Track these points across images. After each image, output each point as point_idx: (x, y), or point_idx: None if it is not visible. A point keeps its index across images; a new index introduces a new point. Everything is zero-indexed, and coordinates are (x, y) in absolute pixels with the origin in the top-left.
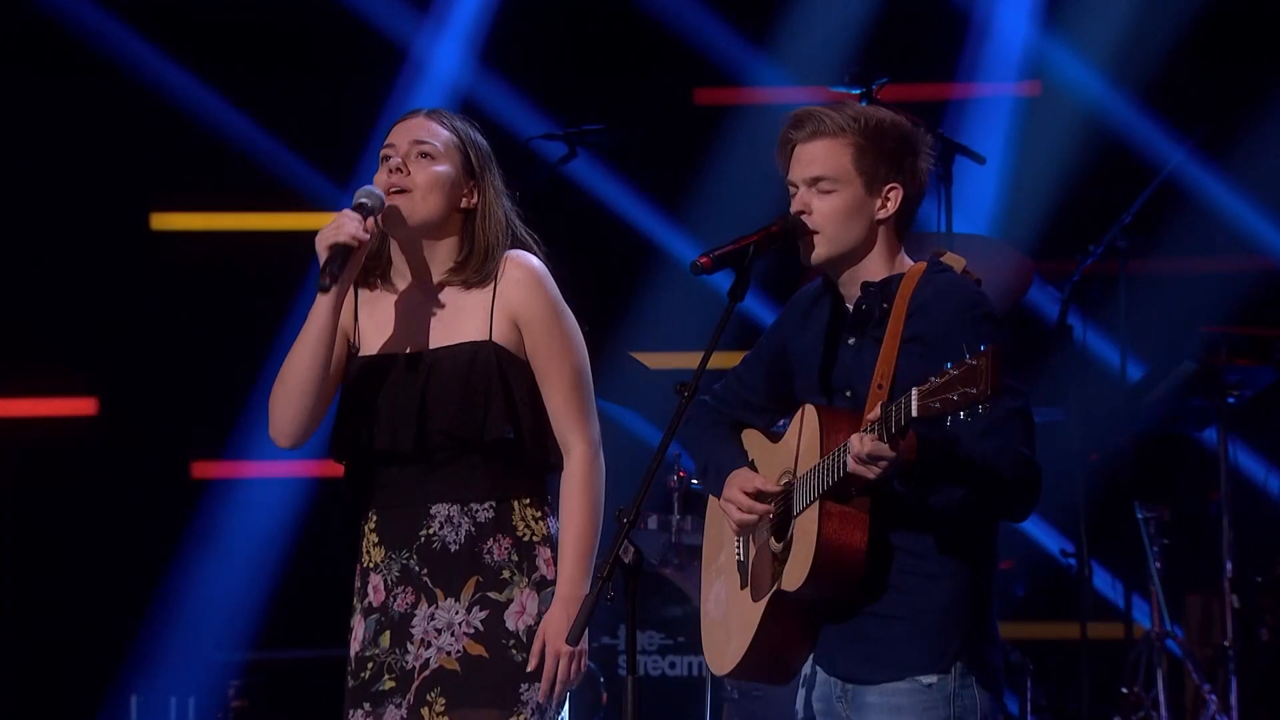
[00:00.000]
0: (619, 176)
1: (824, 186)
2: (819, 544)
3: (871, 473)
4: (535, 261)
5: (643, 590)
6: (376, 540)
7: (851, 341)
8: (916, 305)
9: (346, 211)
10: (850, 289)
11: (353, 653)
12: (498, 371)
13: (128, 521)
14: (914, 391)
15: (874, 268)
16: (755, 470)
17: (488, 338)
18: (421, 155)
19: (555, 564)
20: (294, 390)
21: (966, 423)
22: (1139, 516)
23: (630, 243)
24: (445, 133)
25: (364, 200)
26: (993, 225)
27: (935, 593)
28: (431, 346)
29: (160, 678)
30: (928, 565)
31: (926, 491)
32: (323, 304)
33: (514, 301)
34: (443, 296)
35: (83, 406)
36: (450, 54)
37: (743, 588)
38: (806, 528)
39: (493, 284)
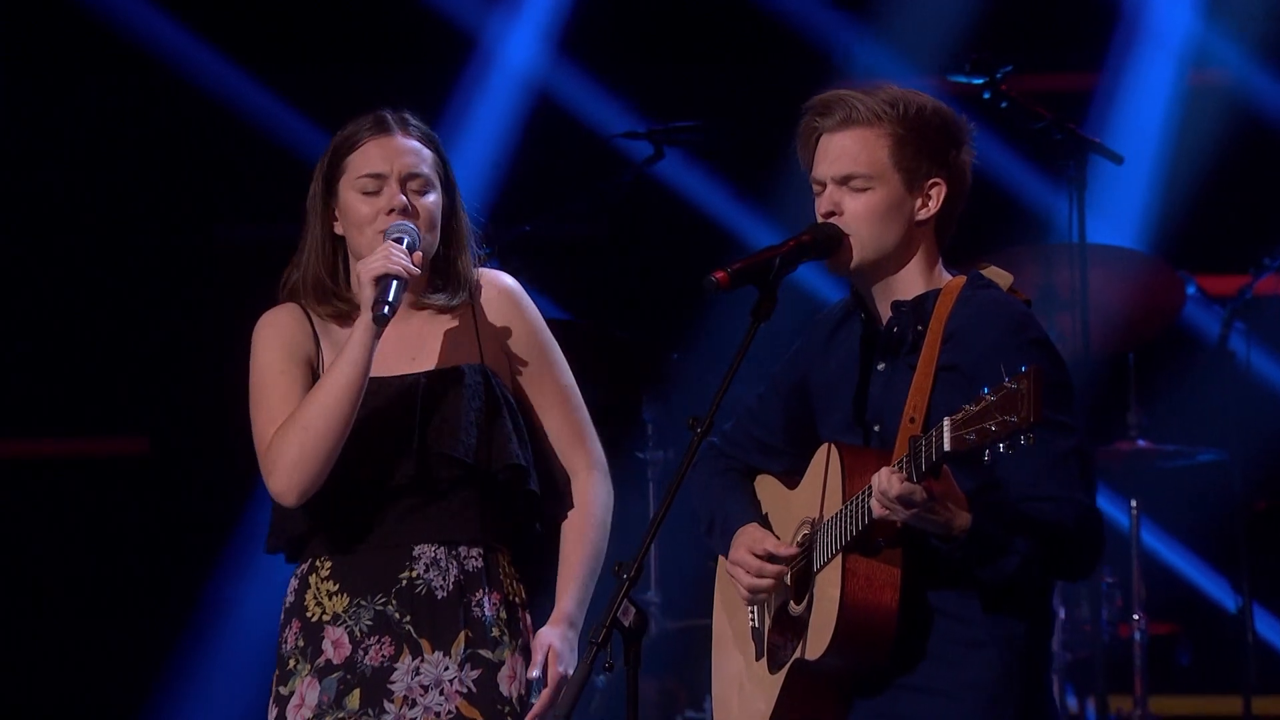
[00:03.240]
0: (714, 180)
1: (857, 184)
2: (843, 605)
3: (898, 516)
4: (510, 279)
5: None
6: (335, 588)
7: (882, 368)
8: (954, 328)
9: (391, 244)
10: (883, 305)
11: None
12: (499, 396)
13: (180, 573)
14: (946, 422)
15: (910, 280)
16: (769, 524)
17: (479, 361)
18: (416, 191)
19: (533, 631)
20: (325, 436)
21: (1015, 468)
22: None
23: (726, 256)
24: (429, 154)
25: (402, 235)
26: (1139, 235)
27: (981, 663)
28: (419, 370)
29: None
30: (972, 631)
31: (976, 561)
32: (363, 339)
33: (496, 323)
34: (416, 322)
35: (133, 446)
36: (525, 42)
37: (758, 659)
38: (828, 587)
39: (470, 306)
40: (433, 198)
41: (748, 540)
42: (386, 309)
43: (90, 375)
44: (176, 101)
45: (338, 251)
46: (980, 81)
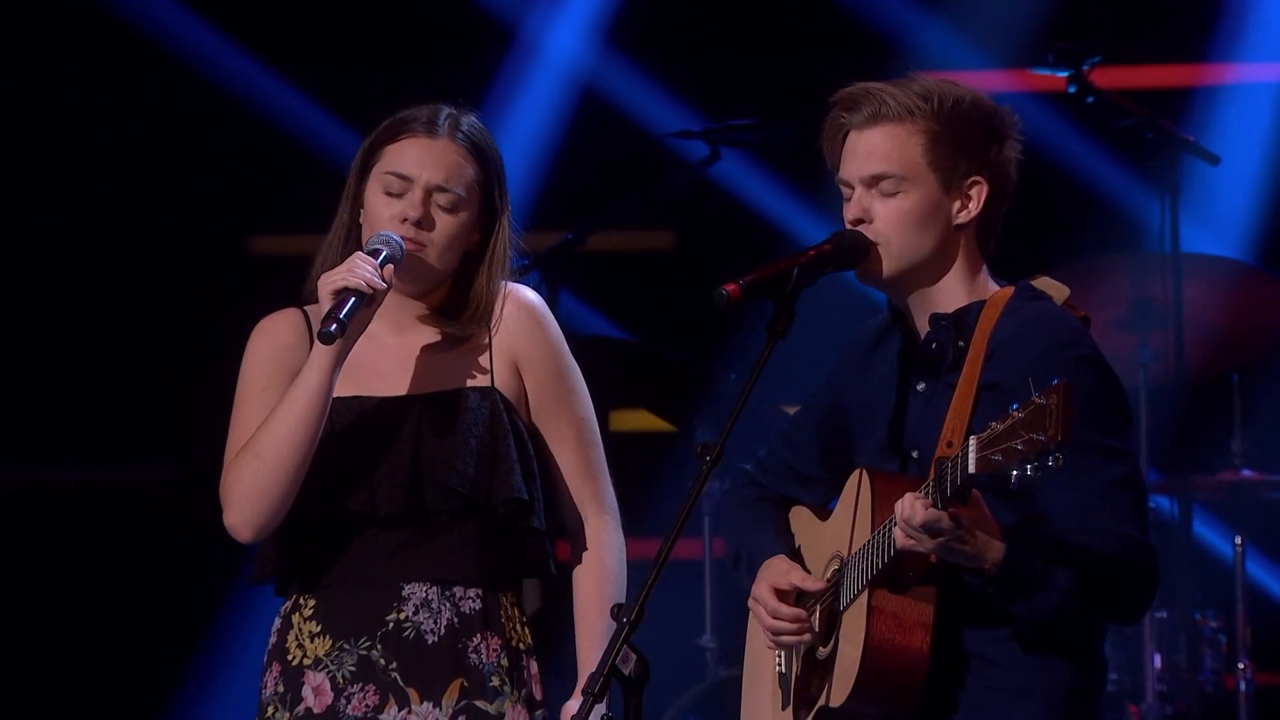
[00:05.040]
0: (774, 182)
1: (888, 186)
2: (868, 647)
3: (924, 546)
4: (534, 296)
5: None
6: (318, 628)
7: (921, 388)
8: (997, 343)
9: (360, 255)
10: (921, 319)
11: None
12: (505, 423)
13: (203, 601)
14: (971, 441)
15: (950, 291)
16: (800, 559)
17: (490, 384)
18: (441, 207)
19: (540, 682)
20: (278, 466)
21: (1060, 498)
22: None
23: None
24: (471, 170)
25: (380, 247)
26: (1240, 243)
27: (1022, 714)
28: (419, 392)
29: None
30: (1012, 677)
31: (1010, 597)
32: (321, 361)
33: (513, 343)
34: (425, 337)
35: (161, 472)
36: (569, 34)
37: (784, 707)
38: (853, 627)
39: (487, 325)
40: (456, 217)
41: (771, 574)
42: (334, 326)
43: (117, 399)
44: (204, 103)
45: (359, 240)
46: (1065, 74)
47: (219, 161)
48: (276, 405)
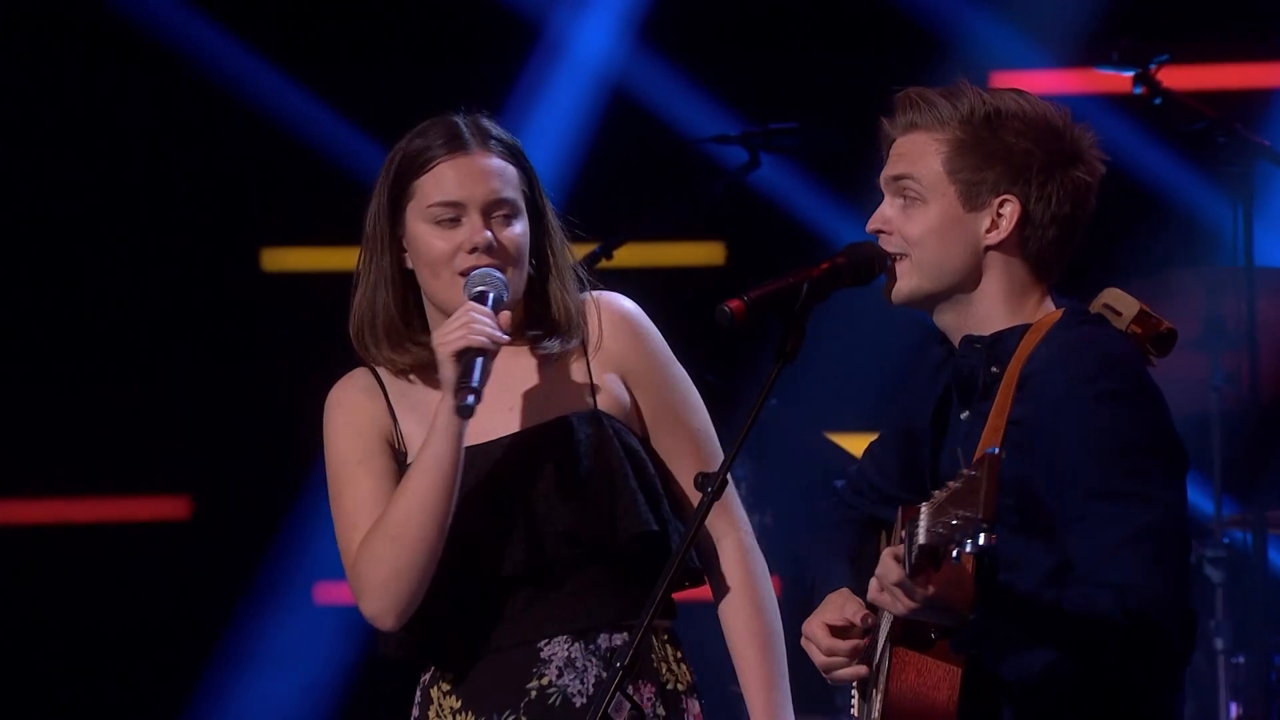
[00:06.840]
0: (820, 192)
1: (909, 194)
2: (886, 704)
3: (900, 608)
4: (629, 304)
5: None
6: (458, 703)
7: (965, 416)
8: (1029, 372)
9: (474, 306)
10: (958, 341)
11: None
12: (619, 448)
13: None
14: (924, 509)
15: (987, 312)
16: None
17: (593, 407)
18: (503, 220)
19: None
20: (418, 547)
21: (1080, 545)
22: None
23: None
24: (513, 172)
25: (484, 289)
26: None
27: None
28: (520, 428)
29: None
30: None
31: (992, 660)
32: (450, 428)
33: (616, 355)
34: (516, 364)
35: (173, 508)
36: (598, 31)
37: None
38: (883, 682)
39: (579, 338)
40: (519, 227)
41: (828, 610)
42: (472, 399)
43: (125, 426)
44: (215, 108)
45: (409, 287)
46: (1130, 74)
47: (230, 170)
48: (406, 483)
